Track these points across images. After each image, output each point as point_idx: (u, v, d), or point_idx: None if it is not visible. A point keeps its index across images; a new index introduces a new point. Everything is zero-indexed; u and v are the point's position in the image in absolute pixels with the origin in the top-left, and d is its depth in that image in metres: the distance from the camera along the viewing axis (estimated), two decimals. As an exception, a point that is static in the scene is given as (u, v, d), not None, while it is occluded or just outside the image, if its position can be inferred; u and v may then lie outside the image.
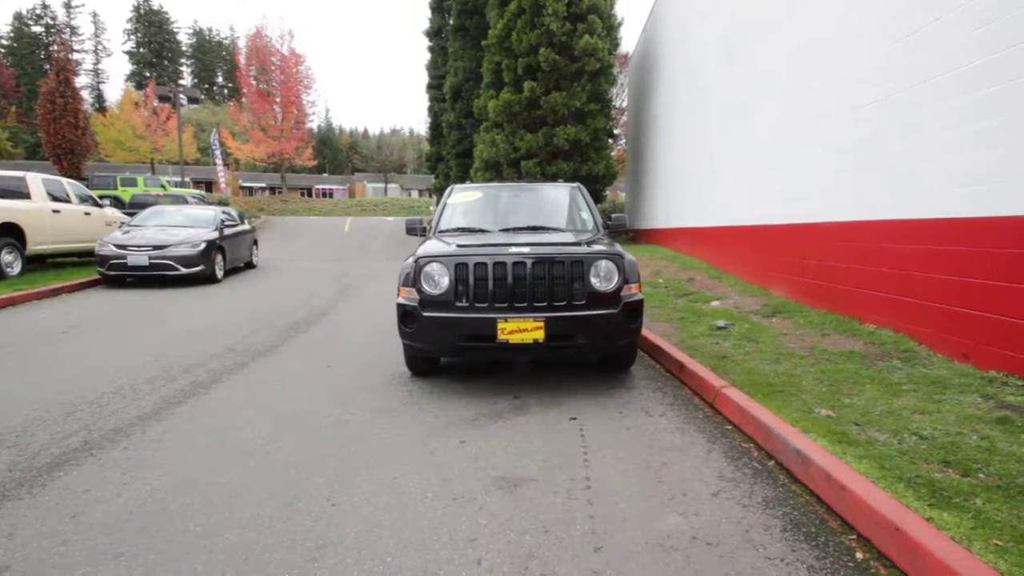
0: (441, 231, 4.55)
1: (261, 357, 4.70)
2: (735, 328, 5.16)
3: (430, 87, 22.29)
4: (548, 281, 3.38)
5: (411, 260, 3.64)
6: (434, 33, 22.44)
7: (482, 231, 4.43)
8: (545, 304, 3.37)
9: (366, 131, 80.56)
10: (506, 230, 4.37)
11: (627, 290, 3.51)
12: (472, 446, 2.81)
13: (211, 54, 71.84)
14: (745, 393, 3.18)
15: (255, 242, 12.26)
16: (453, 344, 3.44)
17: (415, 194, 52.98)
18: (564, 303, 3.39)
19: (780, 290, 6.36)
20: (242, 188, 44.10)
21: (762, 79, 6.93)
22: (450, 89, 17.88)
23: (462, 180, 18.76)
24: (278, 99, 36.37)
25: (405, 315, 3.49)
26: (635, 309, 3.50)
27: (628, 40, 29.68)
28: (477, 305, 3.40)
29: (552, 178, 14.18)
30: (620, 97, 21.94)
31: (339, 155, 68.31)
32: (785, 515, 2.11)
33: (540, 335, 3.30)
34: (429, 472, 2.52)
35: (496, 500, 2.26)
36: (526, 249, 3.45)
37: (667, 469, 2.52)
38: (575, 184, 5.05)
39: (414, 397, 3.60)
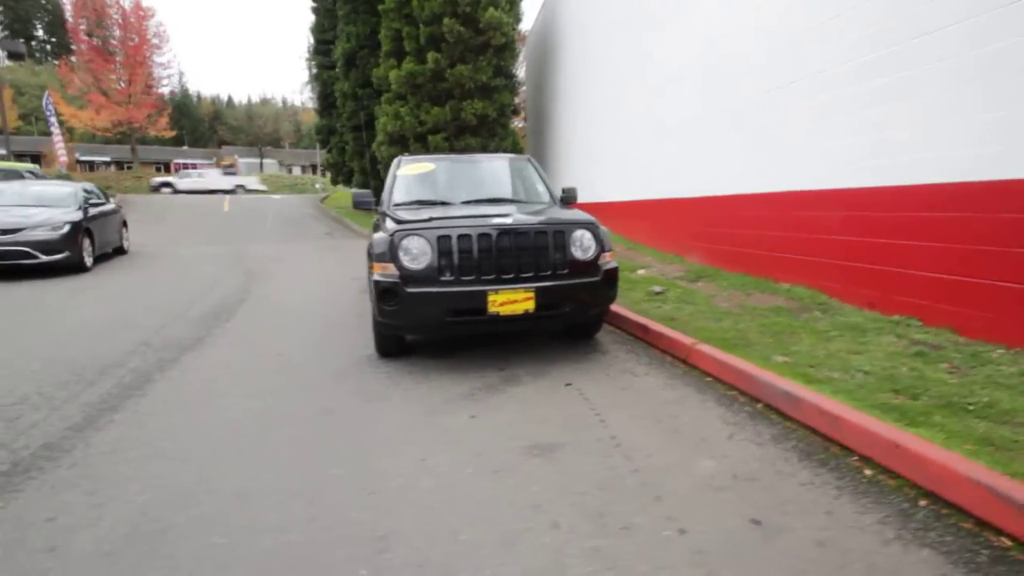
0: (397, 204, 4.31)
1: (191, 351, 4.14)
2: (671, 293, 5.58)
3: (316, 52, 20.51)
4: (534, 251, 3.38)
5: (384, 234, 3.41)
6: (320, -8, 20.60)
7: (443, 203, 4.27)
8: (531, 275, 3.38)
9: (230, 99, 72.42)
10: (467, 202, 4.26)
11: (603, 258, 3.63)
12: (485, 420, 2.76)
13: (27, 2, 59.24)
14: (715, 347, 3.48)
15: (124, 223, 10.60)
16: (440, 320, 3.31)
17: (297, 171, 48.97)
18: (549, 273, 3.42)
19: (696, 258, 6.97)
20: (80, 162, 37.63)
21: (677, 61, 7.40)
22: (342, 56, 16.64)
23: (361, 155, 17.78)
24: (120, 59, 31.31)
25: (384, 292, 3.27)
26: (612, 277, 3.64)
27: (527, 16, 29.74)
28: (463, 278, 3.30)
29: (461, 153, 13.99)
30: (521, 73, 22.04)
31: (200, 126, 60.72)
32: (794, 447, 2.38)
33: (531, 305, 3.31)
34: (456, 449, 2.44)
35: (538, 467, 2.27)
36: (509, 220, 3.41)
37: (677, 420, 2.70)
38: (525, 156, 5.04)
39: (394, 379, 3.42)
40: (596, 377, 3.38)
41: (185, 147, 53.09)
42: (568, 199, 4.77)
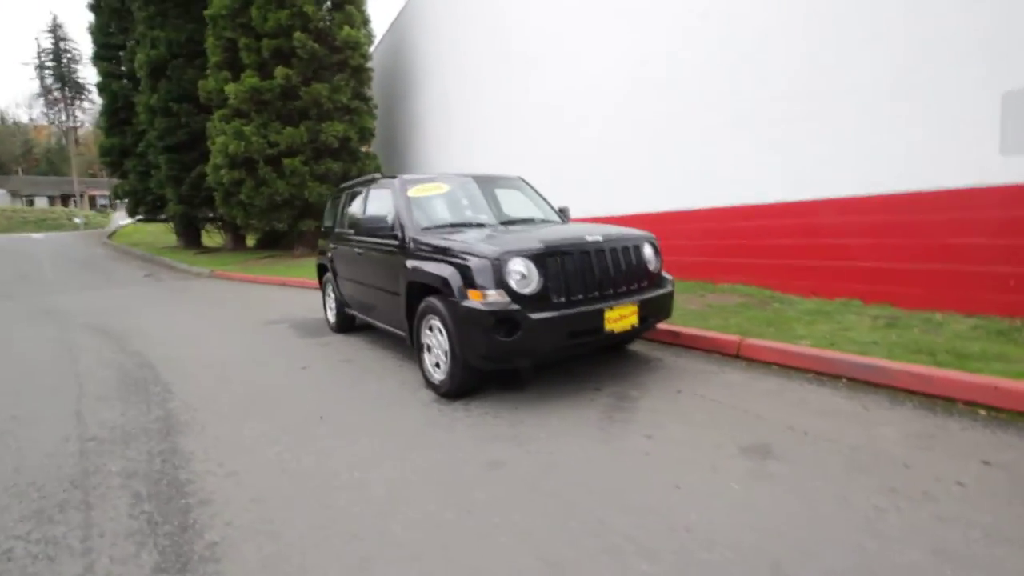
0: (425, 228, 3.89)
1: (181, 465, 3.10)
2: (634, 301, 6.06)
3: (99, 58, 16.50)
4: (628, 266, 3.42)
5: (482, 259, 3.08)
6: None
7: (479, 225, 4.00)
8: (627, 290, 3.41)
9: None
10: (505, 223, 4.07)
11: (664, 270, 3.85)
12: (669, 437, 2.69)
13: None
14: (764, 340, 3.97)
15: None
16: (561, 344, 3.11)
17: (42, 201, 38.06)
18: (640, 287, 3.49)
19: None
20: None
21: (575, 82, 8.09)
22: (146, 64, 13.85)
23: (177, 181, 14.99)
24: None
25: (502, 322, 2.95)
26: (673, 287, 3.87)
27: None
28: (573, 299, 3.17)
29: (321, 178, 12.91)
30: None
31: None
32: (913, 405, 2.90)
33: (635, 319, 3.33)
34: (691, 468, 2.36)
35: (766, 465, 2.35)
36: (598, 237, 3.39)
37: (814, 404, 3.03)
38: (517, 176, 4.99)
39: (510, 422, 3.09)
40: (688, 381, 3.55)
41: None
42: (565, 216, 4.88)
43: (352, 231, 4.94)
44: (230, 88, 12.09)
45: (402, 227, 3.94)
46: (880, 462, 2.33)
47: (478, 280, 3.04)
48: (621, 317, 3.25)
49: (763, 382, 3.47)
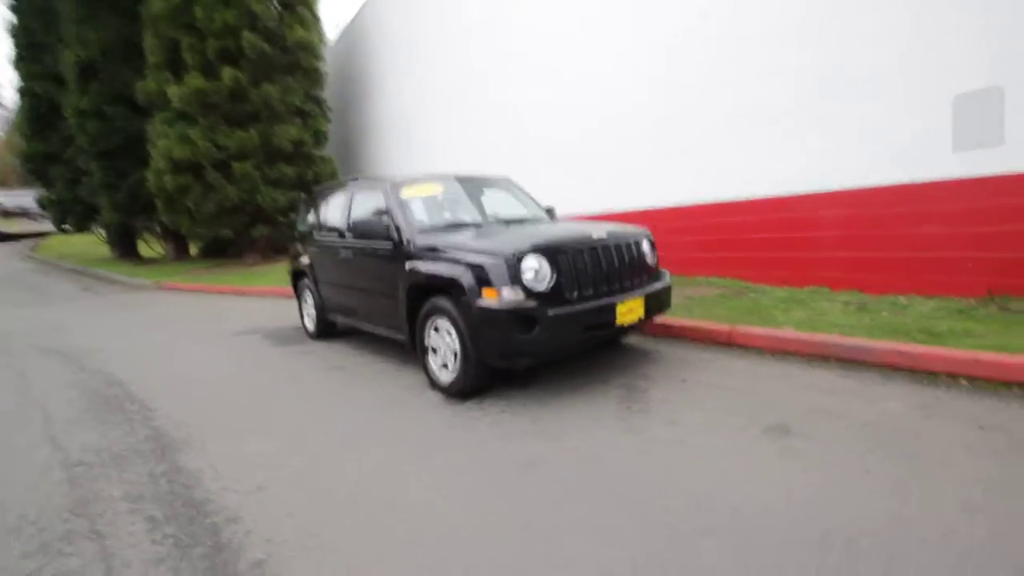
0: (424, 230, 3.82)
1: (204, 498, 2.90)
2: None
3: (23, 60, 15.00)
4: (631, 261, 3.50)
5: (493, 257, 3.06)
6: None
7: (476, 225, 3.97)
8: (631, 284, 3.49)
9: None
10: (501, 222, 4.06)
11: (660, 265, 3.96)
12: (686, 426, 2.77)
13: None
14: (753, 327, 4.15)
15: None
16: (577, 339, 3.13)
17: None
18: (643, 280, 3.58)
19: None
20: None
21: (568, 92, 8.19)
22: (75, 65, 12.80)
23: (112, 188, 13.98)
24: None
25: (522, 319, 2.94)
26: (670, 281, 3.98)
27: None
28: (584, 294, 3.21)
29: (275, 183, 12.42)
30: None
31: None
32: (903, 381, 3.13)
33: (642, 312, 3.41)
34: (730, 450, 2.45)
35: (791, 443, 2.47)
36: (603, 233, 3.45)
37: (823, 384, 3.21)
38: (505, 176, 4.99)
39: (532, 420, 3.08)
40: (689, 370, 3.66)
41: None
42: (552, 215, 4.93)
43: (335, 234, 4.78)
44: (173, 90, 11.40)
45: (398, 228, 3.85)
46: (894, 433, 2.50)
47: (493, 278, 3.02)
48: (630, 311, 3.32)
49: (760, 367, 3.63)
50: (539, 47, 8.28)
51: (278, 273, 11.59)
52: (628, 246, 3.54)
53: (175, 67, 11.95)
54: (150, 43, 11.95)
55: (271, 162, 12.45)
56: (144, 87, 12.04)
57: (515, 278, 3.02)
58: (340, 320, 5.10)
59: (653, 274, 3.79)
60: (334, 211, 4.92)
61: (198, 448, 2.95)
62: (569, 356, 3.94)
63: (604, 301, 3.20)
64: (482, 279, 3.06)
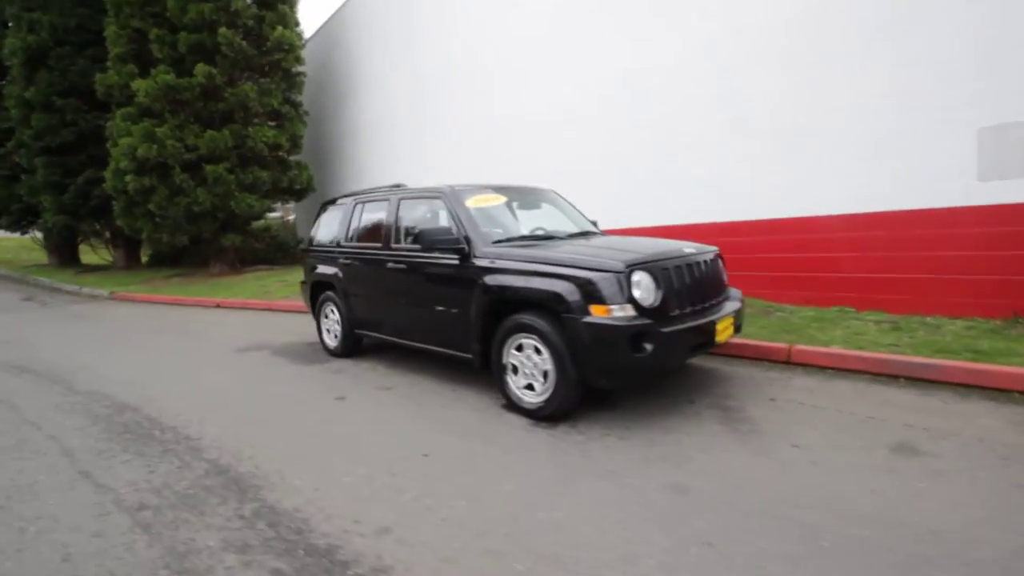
0: (498, 242, 3.64)
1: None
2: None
3: None
4: (714, 277, 3.47)
5: (604, 273, 2.92)
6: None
7: (549, 238, 3.83)
8: (714, 302, 3.44)
9: None
10: (573, 236, 3.96)
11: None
12: (809, 447, 2.73)
13: None
14: (813, 345, 4.22)
15: None
16: (682, 358, 3.05)
17: None
18: (721, 298, 3.55)
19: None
20: None
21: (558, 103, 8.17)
22: (22, 51, 11.61)
23: (59, 188, 12.74)
24: None
25: (638, 336, 2.81)
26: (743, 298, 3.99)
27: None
28: (684, 312, 3.13)
29: (250, 188, 11.74)
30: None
31: None
32: (978, 398, 3.24)
33: (732, 330, 3.37)
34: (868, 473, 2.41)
35: (926, 462, 2.48)
36: (693, 249, 3.40)
37: (898, 403, 3.26)
38: (550, 188, 4.88)
39: (628, 443, 2.94)
40: (768, 389, 3.64)
41: None
42: (599, 230, 4.87)
43: (376, 245, 4.49)
44: (139, 84, 10.56)
45: (467, 240, 3.64)
46: (1014, 449, 2.55)
47: (606, 294, 2.88)
48: (724, 328, 3.27)
49: (831, 385, 3.67)
50: (549, 54, 8.28)
51: (250, 285, 10.88)
52: (710, 262, 3.51)
53: (141, 60, 11.12)
54: (113, 32, 11.06)
55: (245, 166, 11.76)
56: (104, 80, 11.10)
57: (627, 294, 2.90)
58: (370, 336, 4.78)
59: (726, 291, 3.78)
60: (372, 220, 4.62)
61: (279, 482, 2.61)
62: (662, 376, 3.84)
63: (707, 319, 3.14)
64: (591, 295, 2.92)
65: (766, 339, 4.51)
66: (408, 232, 4.23)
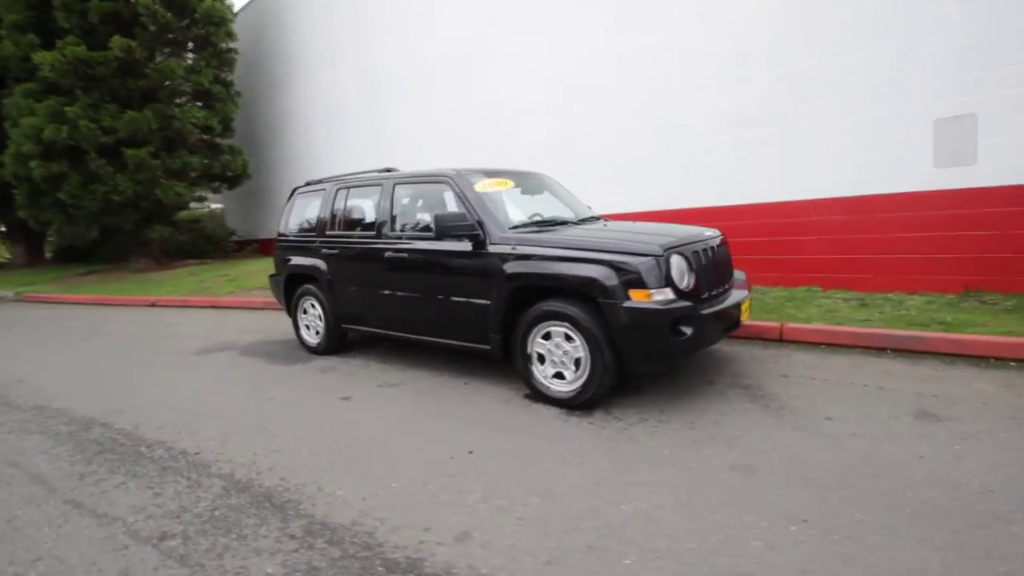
0: (515, 227, 3.50)
1: None
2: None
3: None
4: (727, 260, 3.54)
5: (643, 257, 2.88)
6: None
7: (563, 223, 3.73)
8: (730, 284, 3.51)
9: None
10: (584, 220, 3.88)
11: (735, 266, 4.07)
12: (841, 420, 2.85)
13: None
14: (801, 323, 4.43)
15: None
16: (716, 338, 3.08)
17: None
18: (733, 281, 3.63)
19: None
20: None
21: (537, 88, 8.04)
22: None
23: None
24: None
25: (680, 319, 2.79)
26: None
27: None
28: (712, 292, 3.16)
29: (178, 174, 10.73)
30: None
31: None
32: (963, 365, 3.54)
33: (748, 311, 3.46)
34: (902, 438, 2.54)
35: (950, 427, 2.66)
36: (710, 233, 3.44)
37: (903, 373, 3.49)
38: (543, 172, 4.78)
39: (668, 427, 2.94)
40: (776, 365, 3.78)
41: None
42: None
43: (369, 233, 4.20)
44: (42, 57, 9.25)
45: (482, 226, 3.47)
46: (1016, 409, 2.81)
47: (646, 279, 2.84)
48: (746, 309, 3.35)
49: (832, 360, 3.88)
50: (531, 38, 8.12)
51: (185, 281, 9.97)
52: (723, 244, 3.58)
53: (43, 29, 9.75)
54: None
55: (172, 150, 10.70)
56: (0, 50, 9.64)
57: (667, 277, 2.88)
58: (359, 331, 4.50)
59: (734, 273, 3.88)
60: (362, 207, 4.32)
61: (318, 494, 2.37)
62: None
63: (736, 300, 3.20)
64: (631, 280, 2.87)
65: (754, 319, 4.70)
66: (407, 219, 3.99)
